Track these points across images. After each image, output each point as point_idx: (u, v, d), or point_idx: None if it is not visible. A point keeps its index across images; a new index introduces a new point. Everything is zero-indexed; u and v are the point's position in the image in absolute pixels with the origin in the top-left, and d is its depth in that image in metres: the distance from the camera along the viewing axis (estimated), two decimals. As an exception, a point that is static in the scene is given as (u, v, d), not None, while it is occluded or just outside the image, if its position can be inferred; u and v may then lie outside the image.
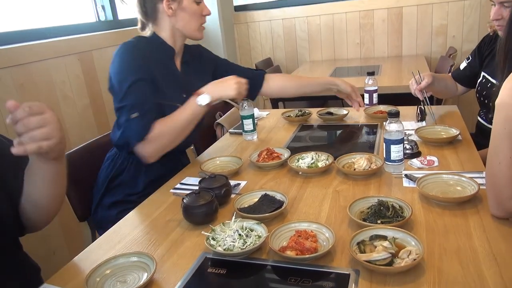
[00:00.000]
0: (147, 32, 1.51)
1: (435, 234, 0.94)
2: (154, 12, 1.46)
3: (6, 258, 0.98)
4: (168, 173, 1.48)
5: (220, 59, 1.79)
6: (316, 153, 1.41)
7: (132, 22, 2.77)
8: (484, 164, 1.20)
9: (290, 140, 1.72)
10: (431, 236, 0.93)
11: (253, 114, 1.76)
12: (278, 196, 1.15)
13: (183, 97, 1.46)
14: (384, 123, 1.31)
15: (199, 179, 1.28)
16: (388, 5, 3.43)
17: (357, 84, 2.55)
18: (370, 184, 1.23)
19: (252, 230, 1.00)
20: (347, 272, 0.84)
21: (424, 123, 1.67)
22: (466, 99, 2.41)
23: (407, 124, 1.67)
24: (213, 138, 1.97)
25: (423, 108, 1.72)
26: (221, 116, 2.09)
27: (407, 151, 1.38)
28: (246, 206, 1.15)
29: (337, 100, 3.14)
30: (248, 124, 1.75)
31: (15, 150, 0.80)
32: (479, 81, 1.72)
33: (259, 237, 0.97)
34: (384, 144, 1.28)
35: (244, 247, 0.93)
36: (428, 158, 1.34)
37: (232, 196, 1.24)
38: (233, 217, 1.04)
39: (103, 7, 2.65)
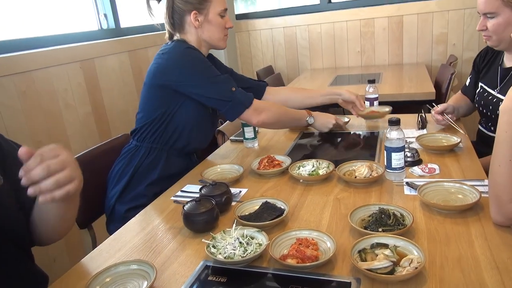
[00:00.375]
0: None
1: (437, 242, 0.94)
2: (181, 23, 1.56)
3: (18, 267, 0.97)
4: (183, 170, 1.58)
5: (230, 70, 1.86)
6: (317, 161, 1.41)
7: (134, 30, 2.80)
8: (485, 172, 1.20)
9: (291, 147, 1.72)
10: (432, 245, 0.93)
11: (254, 121, 1.76)
12: (279, 204, 1.15)
13: None
14: (385, 130, 1.31)
15: (199, 186, 1.28)
16: (389, 14, 3.45)
17: (358, 92, 2.56)
18: (371, 192, 1.23)
19: (252, 238, 1.00)
20: (348, 281, 0.84)
21: (425, 131, 1.67)
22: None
23: (408, 131, 1.67)
24: (214, 146, 1.98)
25: (424, 116, 1.72)
26: (222, 124, 2.10)
27: (408, 159, 1.38)
28: (246, 213, 1.15)
29: (338, 108, 3.15)
30: (249, 132, 1.75)
31: (42, 199, 0.77)
32: (477, 91, 1.74)
33: (260, 245, 0.97)
34: (385, 151, 1.28)
35: (244, 255, 0.93)
36: (429, 166, 1.33)
37: (233, 203, 1.24)
38: (234, 225, 1.04)
39: (105, 15, 2.67)
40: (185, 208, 1.10)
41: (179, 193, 1.39)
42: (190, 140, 1.61)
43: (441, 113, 1.66)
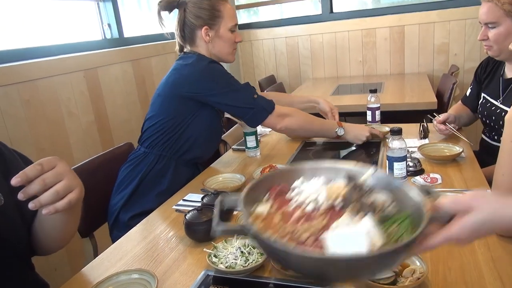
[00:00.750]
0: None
1: (439, 252, 0.93)
2: (192, 37, 1.59)
3: (18, 276, 0.97)
4: (190, 180, 1.59)
5: None
6: (319, 170, 1.40)
7: (137, 40, 2.83)
8: (488, 182, 1.20)
9: (293, 157, 1.72)
10: (435, 255, 0.92)
11: (256, 130, 1.76)
12: (281, 213, 1.15)
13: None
14: (387, 140, 1.31)
15: (201, 195, 1.28)
16: (390, 24, 3.47)
17: (360, 102, 2.57)
18: (373, 201, 1.22)
19: (254, 248, 1.00)
20: (351, 291, 0.83)
21: (427, 141, 1.67)
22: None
23: (409, 141, 1.67)
24: (216, 155, 1.98)
25: (425, 125, 1.72)
26: (224, 133, 2.10)
27: (410, 169, 1.38)
28: (248, 223, 1.14)
29: (340, 117, 3.15)
30: (251, 141, 1.76)
31: (45, 211, 0.77)
32: (480, 102, 1.74)
33: (262, 254, 0.97)
34: (387, 161, 1.28)
35: (246, 265, 0.93)
36: (431, 175, 1.33)
37: (235, 213, 1.23)
38: (236, 234, 1.03)
39: (109, 25, 2.70)
40: (186, 217, 1.10)
41: (181, 202, 1.39)
42: (200, 149, 1.63)
43: (443, 122, 1.66)
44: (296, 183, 0.75)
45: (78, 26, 2.54)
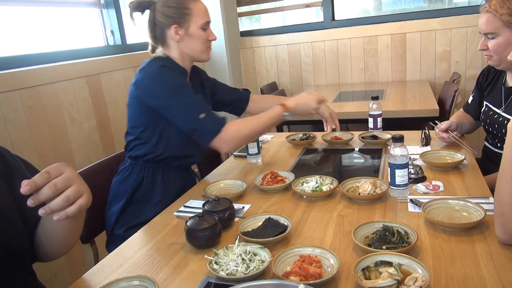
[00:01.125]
0: (158, 54, 1.59)
1: (442, 260, 0.93)
2: (163, 37, 1.54)
3: (18, 283, 0.96)
4: (184, 186, 1.58)
5: (214, 80, 1.86)
6: (321, 177, 1.40)
7: (140, 46, 2.84)
8: (491, 190, 1.19)
9: (294, 163, 1.72)
10: (437, 263, 0.92)
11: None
12: (282, 220, 1.15)
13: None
14: (389, 147, 1.31)
15: (202, 202, 1.28)
16: (392, 32, 3.48)
17: (361, 109, 2.57)
18: (375, 208, 1.22)
19: (255, 255, 0.99)
20: (352, 299, 0.83)
21: (429, 148, 1.67)
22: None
23: (411, 148, 1.66)
24: (218, 161, 1.98)
25: (427, 133, 1.72)
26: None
27: (412, 176, 1.37)
28: (249, 230, 1.14)
29: (342, 124, 3.16)
30: (252, 147, 1.76)
31: (56, 218, 0.77)
32: (482, 110, 1.74)
33: (263, 261, 0.96)
34: (388, 168, 1.28)
35: (247, 272, 0.92)
36: (433, 183, 1.33)
37: (236, 219, 1.23)
38: (237, 241, 1.03)
39: (112, 32, 2.71)
40: (187, 224, 1.10)
41: (182, 208, 1.39)
42: (184, 153, 1.60)
43: (446, 130, 1.66)
44: None
45: (81, 32, 2.56)
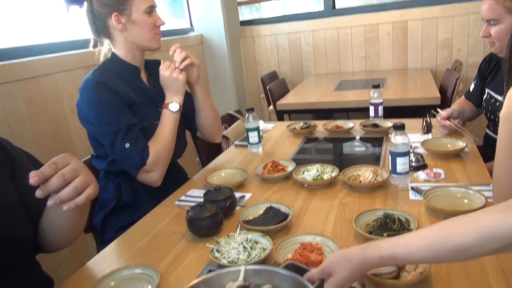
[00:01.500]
0: (101, 52, 1.50)
1: (442, 247, 0.93)
2: (105, 28, 1.44)
3: (23, 274, 0.97)
4: (168, 187, 1.47)
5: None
6: (322, 166, 1.40)
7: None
8: (491, 177, 1.19)
9: (295, 152, 1.72)
10: (438, 250, 0.92)
11: (259, 126, 1.76)
12: (283, 209, 1.15)
13: (159, 111, 1.49)
14: (390, 135, 1.30)
15: (204, 191, 1.28)
16: (393, 20, 3.45)
17: (362, 97, 2.56)
18: (376, 196, 1.22)
19: (257, 243, 1.00)
20: (353, 286, 0.83)
21: (430, 136, 1.66)
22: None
23: (412, 136, 1.66)
24: (219, 151, 1.98)
25: (429, 120, 1.72)
26: (226, 129, 2.10)
27: (413, 164, 1.37)
28: (251, 218, 1.15)
29: (343, 113, 3.15)
30: (253, 137, 1.76)
31: (66, 207, 0.78)
32: (484, 98, 1.73)
33: (264, 249, 0.97)
34: (389, 156, 1.28)
35: (249, 260, 0.93)
36: (434, 170, 1.33)
37: (237, 208, 1.23)
38: (238, 230, 1.03)
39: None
40: (189, 213, 1.10)
41: (183, 197, 1.39)
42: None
43: (447, 118, 1.66)
44: None
45: (80, 23, 2.54)
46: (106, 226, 1.49)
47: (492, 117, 1.68)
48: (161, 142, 1.43)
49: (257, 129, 1.75)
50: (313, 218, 1.14)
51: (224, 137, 2.03)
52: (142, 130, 1.41)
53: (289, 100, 2.89)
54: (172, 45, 1.56)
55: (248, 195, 1.34)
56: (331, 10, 3.70)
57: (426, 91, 2.60)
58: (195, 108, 1.61)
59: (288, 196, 1.30)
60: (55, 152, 2.01)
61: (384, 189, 1.26)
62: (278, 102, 2.82)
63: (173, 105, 1.47)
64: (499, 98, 1.63)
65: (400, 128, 1.24)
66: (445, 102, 2.54)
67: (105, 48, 1.50)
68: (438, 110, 1.72)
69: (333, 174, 1.35)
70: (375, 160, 1.54)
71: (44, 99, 1.97)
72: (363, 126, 1.85)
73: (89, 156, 1.58)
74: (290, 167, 1.47)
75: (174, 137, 1.47)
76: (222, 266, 0.93)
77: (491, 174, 1.23)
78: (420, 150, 1.50)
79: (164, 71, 1.48)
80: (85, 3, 1.41)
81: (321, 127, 1.94)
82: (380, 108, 1.93)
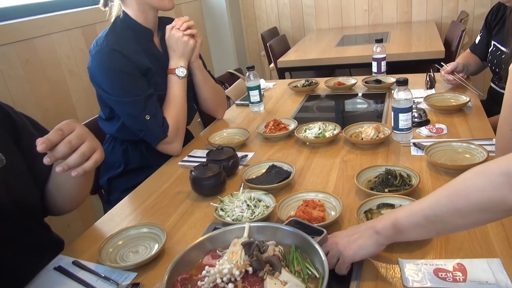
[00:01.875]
0: (113, 11, 1.42)
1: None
2: None
3: (34, 237, 1.00)
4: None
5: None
6: (324, 123, 1.40)
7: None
8: (495, 131, 1.18)
9: (297, 110, 1.71)
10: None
11: (260, 85, 1.74)
12: (286, 167, 1.16)
13: None
14: (393, 91, 1.29)
15: (206, 151, 1.29)
16: (398, -31, 3.31)
17: (365, 52, 2.51)
18: (377, 153, 1.23)
19: (260, 201, 1.01)
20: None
21: (433, 91, 1.64)
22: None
23: (416, 92, 1.64)
24: (220, 110, 1.96)
25: (432, 75, 1.69)
26: (227, 88, 2.08)
27: (416, 119, 1.37)
28: (253, 177, 1.16)
29: (345, 69, 3.10)
30: (254, 95, 1.74)
31: (74, 173, 0.79)
32: (490, 50, 1.69)
33: (267, 207, 0.98)
34: (392, 112, 1.27)
35: (252, 217, 0.95)
36: (437, 126, 1.32)
37: (240, 167, 1.25)
38: (241, 188, 1.05)
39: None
40: (192, 173, 1.12)
41: (186, 158, 1.40)
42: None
43: (451, 72, 1.63)
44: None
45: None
46: (112, 187, 1.51)
47: (497, 70, 1.64)
48: (177, 111, 1.41)
49: (258, 87, 1.73)
50: (315, 175, 1.15)
51: (225, 96, 2.01)
52: (157, 100, 1.39)
53: (290, 57, 2.83)
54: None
55: (250, 154, 1.35)
56: (333, -40, 3.54)
57: (430, 45, 2.54)
58: (195, 86, 1.56)
59: (290, 155, 1.31)
60: (57, 115, 2.00)
61: (386, 146, 1.26)
62: (279, 60, 2.77)
63: (180, 70, 1.42)
64: (505, 50, 1.59)
65: (403, 83, 1.22)
66: (450, 56, 2.48)
67: (116, 7, 1.41)
68: (442, 64, 1.68)
69: (335, 132, 1.35)
70: (377, 117, 1.53)
71: (41, 61, 1.94)
72: (366, 82, 1.82)
73: (91, 119, 1.57)
74: (292, 125, 1.47)
75: (186, 103, 1.45)
76: (226, 224, 0.95)
77: (494, 129, 1.23)
78: (423, 105, 1.49)
79: (176, 31, 1.41)
80: None
81: (323, 84, 1.92)
82: (383, 64, 1.89)
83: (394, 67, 2.14)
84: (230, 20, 3.57)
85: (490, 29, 1.73)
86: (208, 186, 1.10)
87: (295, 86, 1.95)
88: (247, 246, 0.73)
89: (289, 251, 0.75)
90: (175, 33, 1.41)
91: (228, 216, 0.97)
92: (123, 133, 1.44)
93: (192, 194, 1.14)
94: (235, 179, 1.20)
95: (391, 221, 0.70)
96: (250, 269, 0.69)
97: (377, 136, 1.26)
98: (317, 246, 0.71)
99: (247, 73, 1.71)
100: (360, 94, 1.80)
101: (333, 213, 0.93)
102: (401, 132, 1.26)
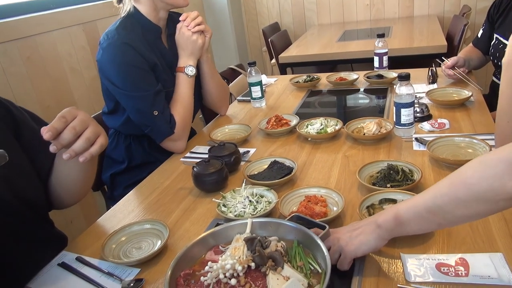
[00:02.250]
0: (126, 7, 1.40)
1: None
2: None
3: (37, 232, 1.00)
4: None
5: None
6: (325, 119, 1.40)
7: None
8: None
9: (298, 106, 1.70)
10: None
11: (261, 81, 1.74)
12: (287, 163, 1.16)
13: (174, 75, 1.45)
14: (395, 86, 1.28)
15: (208, 147, 1.29)
16: (399, -37, 3.29)
17: (367, 47, 2.50)
18: (379, 148, 1.23)
19: (262, 196, 1.02)
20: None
21: (435, 85, 1.64)
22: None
23: (418, 86, 1.64)
24: (222, 106, 1.96)
25: (434, 70, 1.68)
26: (228, 84, 2.08)
27: (418, 114, 1.36)
28: (256, 173, 1.16)
29: (347, 64, 3.09)
30: (256, 91, 1.74)
31: (82, 159, 0.79)
32: (492, 43, 1.68)
33: (269, 203, 0.99)
34: (394, 107, 1.26)
35: (254, 213, 0.95)
36: (439, 121, 1.32)
37: (242, 163, 1.25)
38: (243, 184, 1.05)
39: (105, -26, 2.58)
40: (195, 169, 1.12)
41: (188, 154, 1.40)
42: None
43: (452, 67, 1.62)
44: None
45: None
46: (116, 183, 1.51)
47: (499, 63, 1.63)
48: (184, 109, 1.41)
49: (259, 83, 1.73)
50: (317, 171, 1.15)
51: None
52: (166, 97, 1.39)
53: (292, 52, 2.83)
54: None
55: (252, 150, 1.35)
56: (334, -45, 3.52)
57: (432, 39, 2.53)
58: (201, 78, 1.55)
59: (292, 150, 1.31)
60: (57, 113, 2.00)
61: (388, 141, 1.26)
62: (280, 55, 2.76)
63: (190, 69, 1.42)
64: (507, 42, 1.58)
65: (405, 78, 1.22)
66: (452, 50, 2.47)
67: (127, 3, 1.40)
68: (444, 58, 1.68)
69: (337, 127, 1.35)
70: (379, 112, 1.53)
71: (42, 58, 1.94)
72: (367, 77, 1.82)
73: (92, 116, 1.57)
74: (294, 121, 1.46)
75: (193, 102, 1.45)
76: (229, 220, 0.95)
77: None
78: (425, 100, 1.49)
79: (185, 30, 1.41)
80: None
81: (325, 80, 1.91)
82: (385, 58, 1.89)
83: (396, 62, 2.14)
84: (231, 16, 3.56)
85: (492, 22, 1.72)
86: (210, 182, 1.10)
87: (297, 82, 1.95)
88: (249, 241, 0.73)
89: (291, 247, 0.75)
90: (185, 32, 1.41)
91: (230, 212, 0.97)
92: (127, 127, 1.44)
93: (195, 190, 1.14)
94: (237, 175, 1.20)
95: (392, 214, 0.70)
96: (252, 264, 0.69)
97: (379, 131, 1.26)
98: (319, 242, 0.71)
99: (249, 69, 1.70)
100: (362, 89, 1.80)
101: (335, 208, 0.93)
102: (403, 127, 1.26)
